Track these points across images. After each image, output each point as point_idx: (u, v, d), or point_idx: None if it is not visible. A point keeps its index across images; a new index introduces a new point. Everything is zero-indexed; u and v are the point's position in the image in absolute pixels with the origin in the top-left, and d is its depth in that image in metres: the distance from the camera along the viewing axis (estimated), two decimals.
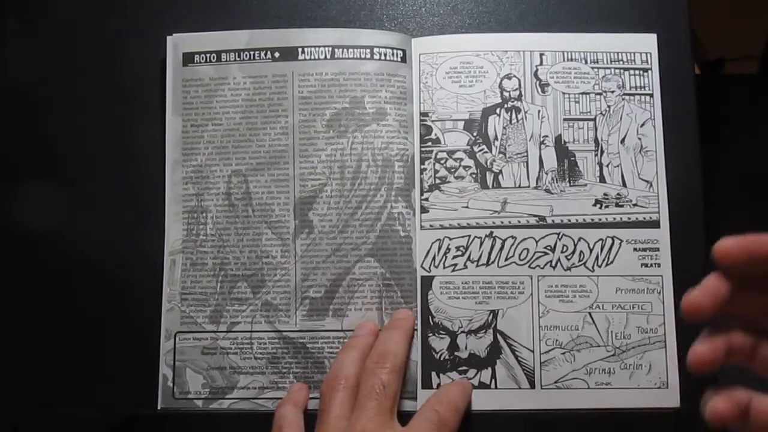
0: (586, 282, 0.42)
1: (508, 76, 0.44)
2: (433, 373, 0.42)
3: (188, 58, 0.44)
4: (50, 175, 0.44)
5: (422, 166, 0.43)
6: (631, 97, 0.44)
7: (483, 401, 0.41)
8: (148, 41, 0.45)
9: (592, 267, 0.42)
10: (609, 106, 0.44)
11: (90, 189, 0.44)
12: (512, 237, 0.42)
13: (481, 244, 0.42)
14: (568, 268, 0.42)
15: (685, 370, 0.41)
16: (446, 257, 0.42)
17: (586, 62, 0.44)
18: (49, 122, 0.45)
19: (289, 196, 0.43)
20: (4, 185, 0.44)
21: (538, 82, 0.44)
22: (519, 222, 0.43)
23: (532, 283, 0.42)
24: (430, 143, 0.44)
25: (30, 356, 0.43)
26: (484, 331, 0.42)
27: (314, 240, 0.43)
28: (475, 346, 0.42)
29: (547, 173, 0.43)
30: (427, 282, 0.42)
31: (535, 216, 0.43)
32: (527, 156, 0.43)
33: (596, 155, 0.43)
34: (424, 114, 0.44)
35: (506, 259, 0.42)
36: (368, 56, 0.43)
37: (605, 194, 0.43)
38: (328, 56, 0.44)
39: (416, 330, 0.42)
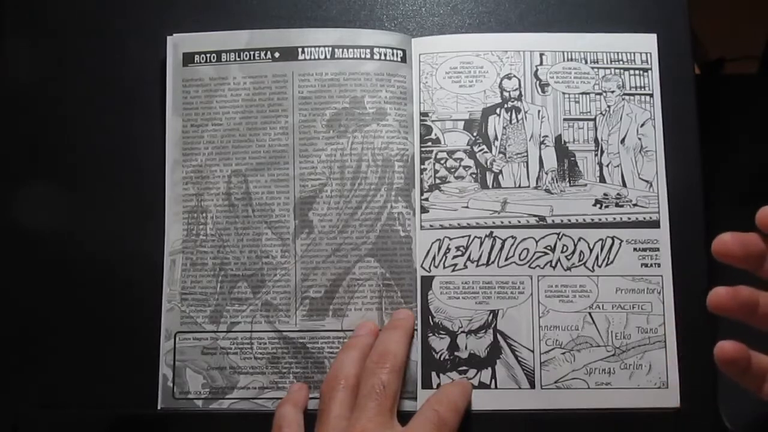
0: (586, 282, 0.42)
1: (508, 76, 0.44)
2: (433, 373, 0.42)
3: (188, 58, 0.44)
4: (50, 175, 0.44)
5: (422, 166, 0.43)
6: (631, 97, 0.44)
7: (483, 401, 0.41)
8: (148, 41, 0.45)
9: (592, 267, 0.42)
10: (609, 106, 0.44)
11: (90, 189, 0.44)
12: (512, 237, 0.42)
13: (481, 244, 0.42)
14: (568, 268, 0.42)
15: (685, 370, 0.41)
16: (446, 257, 0.42)
17: (586, 62, 0.44)
18: (49, 122, 0.45)
19: (289, 196, 0.43)
20: (4, 185, 0.44)
21: (538, 82, 0.44)
22: (519, 222, 0.43)
23: (532, 283, 0.42)
24: (430, 143, 0.44)
25: (30, 356, 0.43)
26: (484, 331, 0.42)
27: (314, 240, 0.43)
28: (475, 346, 0.42)
29: (547, 173, 0.43)
30: (427, 282, 0.42)
31: (535, 216, 0.43)
32: (527, 156, 0.43)
33: (596, 155, 0.43)
34: (424, 114, 0.44)
35: (506, 259, 0.42)
36: (368, 56, 0.43)
37: (605, 194, 0.43)
38: (328, 56, 0.44)
39: (416, 330, 0.42)
